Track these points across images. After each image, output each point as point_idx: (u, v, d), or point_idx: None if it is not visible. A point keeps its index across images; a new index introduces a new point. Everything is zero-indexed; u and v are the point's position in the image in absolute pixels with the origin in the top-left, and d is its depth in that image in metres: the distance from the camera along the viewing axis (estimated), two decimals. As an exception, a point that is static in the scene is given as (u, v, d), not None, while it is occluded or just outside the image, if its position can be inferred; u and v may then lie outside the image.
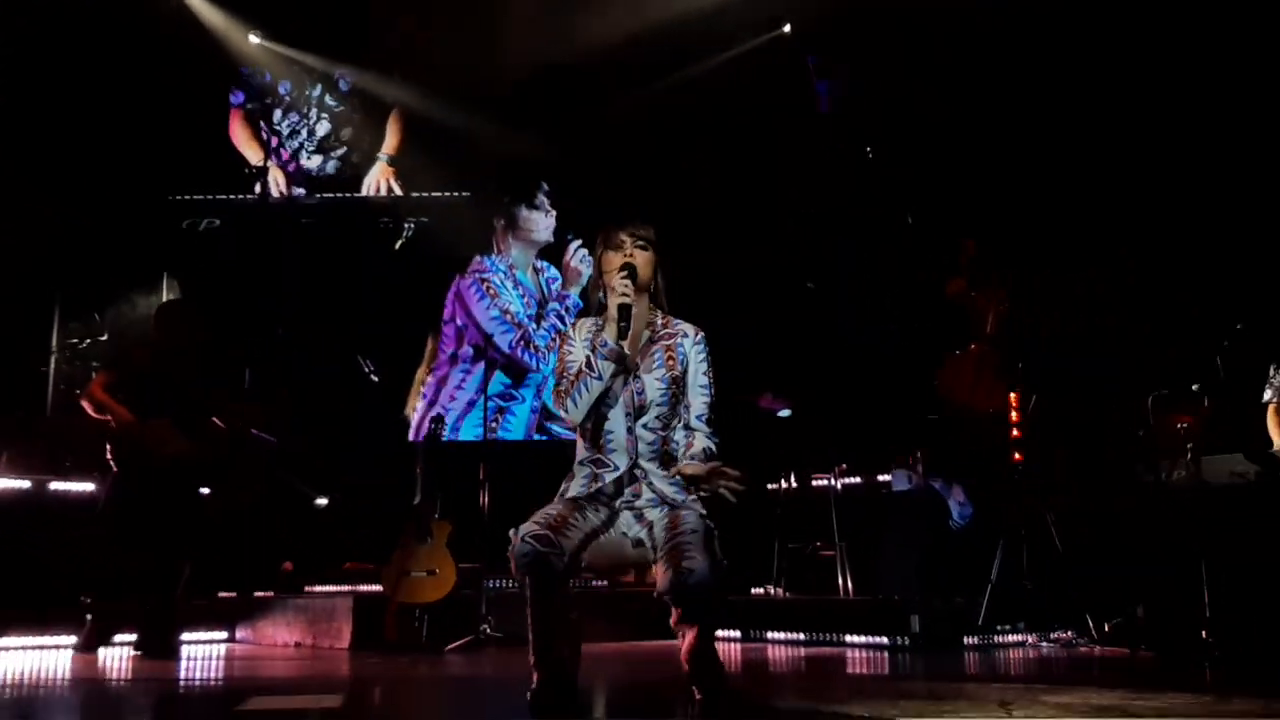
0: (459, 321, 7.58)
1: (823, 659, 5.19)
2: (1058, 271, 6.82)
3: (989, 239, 7.00)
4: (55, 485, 6.45)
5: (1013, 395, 6.33)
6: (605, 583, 6.18)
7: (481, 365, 6.86)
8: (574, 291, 7.54)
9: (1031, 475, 5.82)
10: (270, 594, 6.79)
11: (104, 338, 7.43)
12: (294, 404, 7.66)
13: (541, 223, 7.79)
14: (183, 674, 4.64)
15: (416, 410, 7.56)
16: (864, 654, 5.30)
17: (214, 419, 5.56)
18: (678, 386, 3.21)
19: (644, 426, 3.18)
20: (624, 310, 3.14)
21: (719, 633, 4.74)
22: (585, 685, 3.20)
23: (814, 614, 5.95)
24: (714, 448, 3.18)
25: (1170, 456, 5.74)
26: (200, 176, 8.57)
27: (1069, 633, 5.47)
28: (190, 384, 5.50)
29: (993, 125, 7.15)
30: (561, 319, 7.48)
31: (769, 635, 6.08)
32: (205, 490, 5.63)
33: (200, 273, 8.34)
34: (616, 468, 3.18)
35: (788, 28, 8.38)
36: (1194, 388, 5.81)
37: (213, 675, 4.68)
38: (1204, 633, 4.88)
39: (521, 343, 7.41)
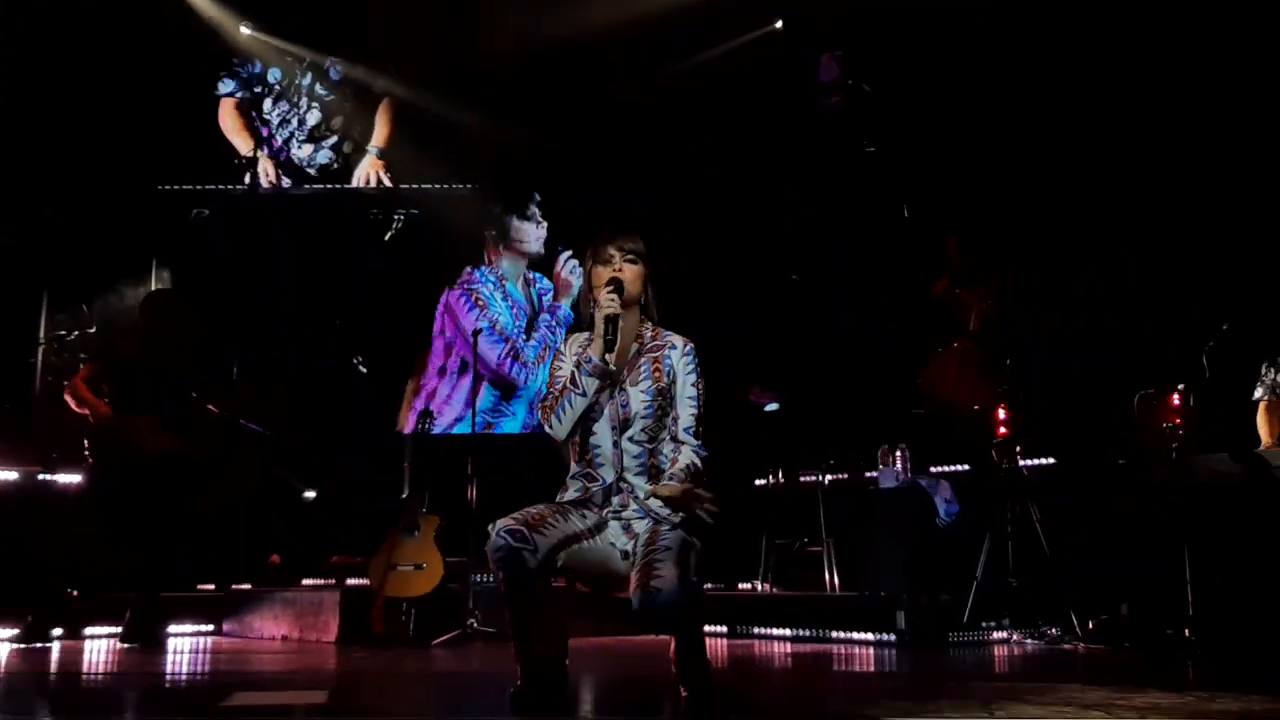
0: (448, 334, 7.60)
1: (809, 655, 5.21)
2: (1058, 271, 6.83)
3: (989, 238, 7.01)
4: (43, 477, 6.44)
5: (1000, 394, 6.38)
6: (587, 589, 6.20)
7: (469, 379, 6.87)
8: (565, 303, 7.56)
9: (1017, 472, 5.85)
10: (257, 587, 6.79)
11: (92, 329, 7.40)
12: (286, 398, 7.66)
13: (532, 234, 7.81)
14: (168, 667, 4.63)
15: (408, 422, 7.59)
16: (850, 650, 5.32)
17: (209, 406, 5.54)
18: (664, 399, 3.19)
19: (630, 439, 3.17)
20: (609, 323, 3.13)
21: (706, 628, 4.78)
22: (571, 681, 3.20)
23: (801, 610, 5.97)
24: (699, 462, 3.15)
25: (1156, 454, 5.78)
26: (190, 166, 8.54)
27: (1054, 630, 5.50)
28: (178, 376, 5.49)
29: (993, 125, 7.16)
30: (552, 331, 7.50)
31: (756, 631, 6.10)
32: (193, 485, 5.60)
33: (190, 263, 8.32)
34: (604, 481, 3.17)
35: (780, 24, 8.37)
36: (1179, 387, 5.84)
37: (198, 669, 4.67)
38: (1187, 631, 4.91)
39: (510, 356, 7.42)
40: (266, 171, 8.60)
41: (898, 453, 5.93)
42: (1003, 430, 6.06)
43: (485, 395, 7.27)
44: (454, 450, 6.47)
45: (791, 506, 6.65)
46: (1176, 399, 5.92)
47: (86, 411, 5.33)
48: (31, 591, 5.64)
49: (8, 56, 7.68)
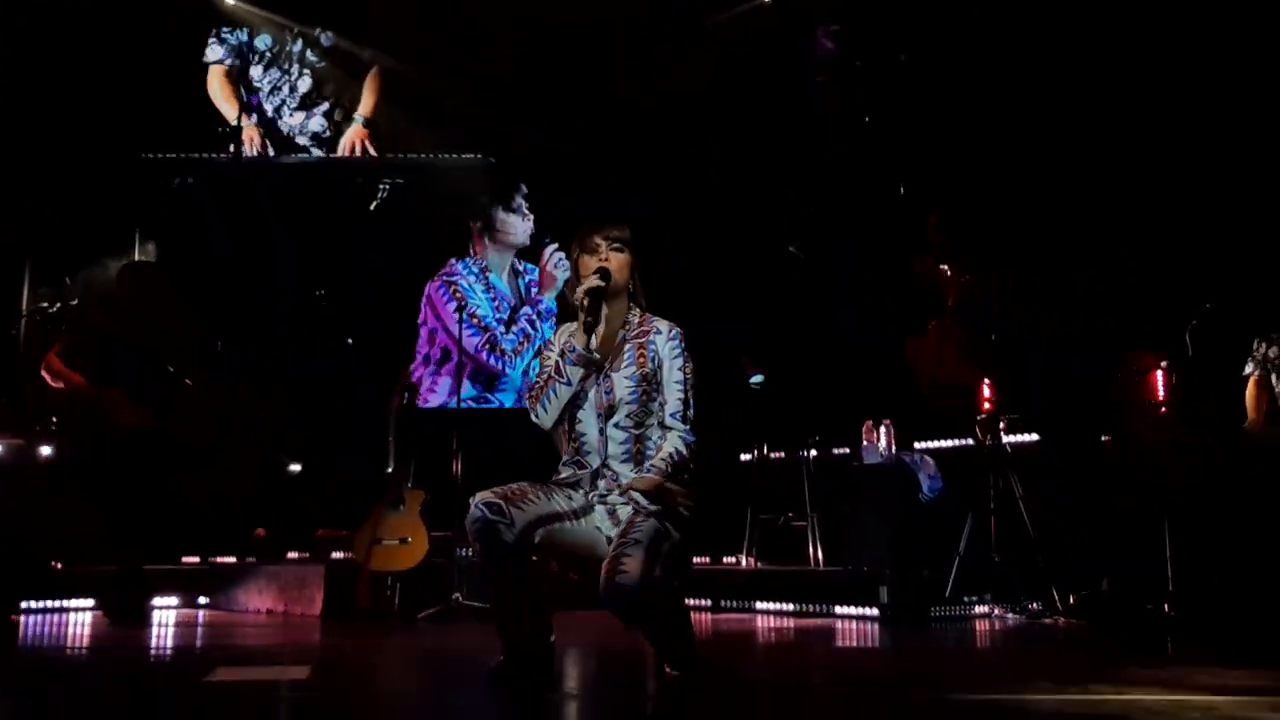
0: (430, 324, 7.59)
1: (791, 629, 5.24)
2: (1058, 271, 6.83)
3: (989, 238, 7.00)
4: (24, 449, 6.40)
5: (981, 370, 6.40)
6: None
7: (451, 367, 6.86)
8: (548, 297, 7.54)
9: (1001, 448, 5.88)
10: (243, 560, 6.79)
11: (75, 302, 7.35)
12: (272, 371, 7.64)
13: (519, 226, 7.77)
14: (151, 641, 4.63)
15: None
16: (832, 624, 5.36)
17: (185, 380, 5.50)
18: (649, 384, 3.18)
19: (615, 426, 3.17)
20: (591, 296, 3.12)
21: (690, 601, 4.82)
22: (557, 654, 3.21)
23: (785, 585, 6.01)
24: (684, 449, 3.14)
25: (1139, 431, 5.82)
26: (175, 135, 8.43)
27: (1035, 605, 5.54)
28: (154, 350, 5.44)
29: (993, 124, 7.14)
30: (532, 324, 7.48)
31: (738, 605, 6.14)
32: (171, 462, 5.57)
33: (175, 234, 8.25)
34: (591, 467, 3.18)
35: None
36: (1162, 363, 5.87)
37: (181, 643, 4.67)
38: (1166, 606, 4.96)
39: (487, 346, 7.41)
40: (252, 139, 8.51)
41: (882, 429, 5.95)
42: (987, 406, 6.09)
43: (467, 388, 7.26)
44: (440, 425, 6.47)
45: (777, 481, 6.67)
46: (1160, 375, 5.96)
47: (61, 385, 5.28)
48: (14, 563, 5.62)
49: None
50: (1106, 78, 6.82)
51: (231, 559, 6.87)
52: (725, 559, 6.95)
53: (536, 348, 7.68)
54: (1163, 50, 6.59)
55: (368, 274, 8.10)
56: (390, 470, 5.94)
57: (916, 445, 6.15)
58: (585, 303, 3.13)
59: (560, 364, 3.15)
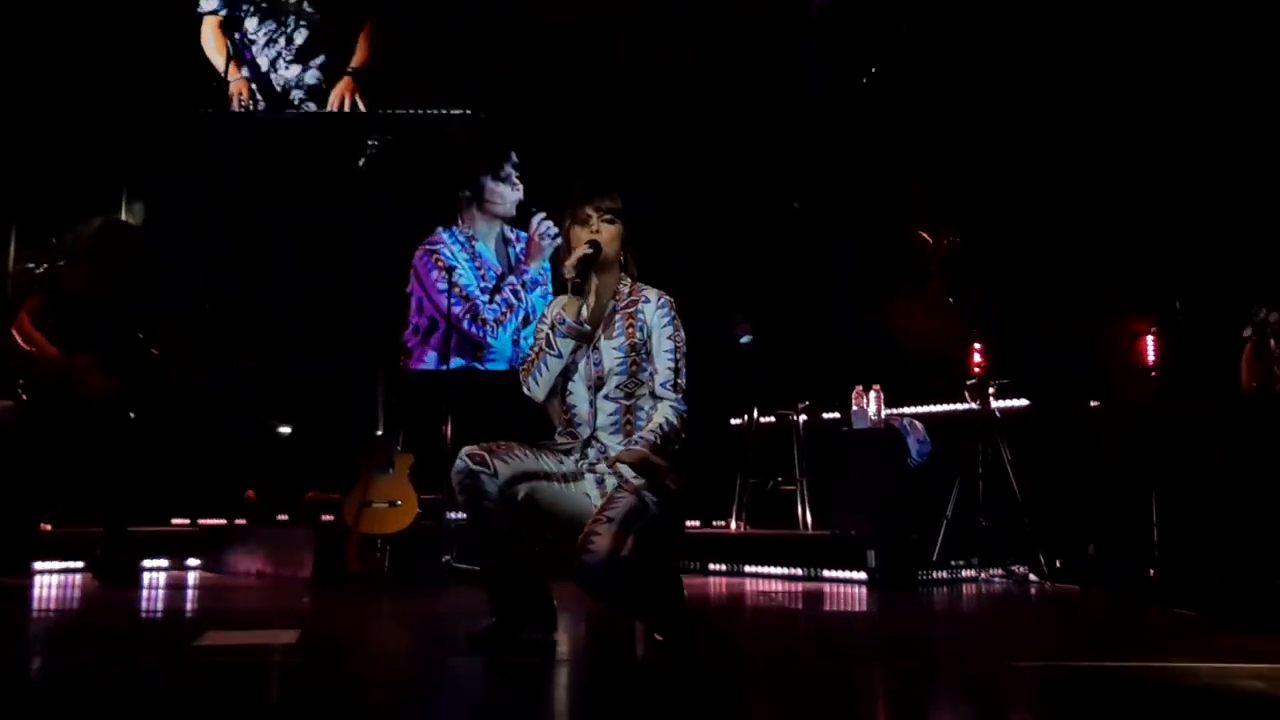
0: (417, 294, 7.56)
1: (779, 593, 5.27)
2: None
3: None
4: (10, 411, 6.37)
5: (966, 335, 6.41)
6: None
7: (438, 338, 6.86)
8: (534, 266, 7.49)
9: (990, 413, 5.89)
10: (233, 522, 6.80)
11: (61, 263, 7.28)
12: (262, 334, 7.60)
13: (508, 196, 7.72)
14: (141, 604, 4.64)
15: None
16: (820, 588, 5.39)
17: (152, 350, 5.44)
18: (637, 354, 3.17)
19: (605, 397, 3.17)
20: (583, 268, 3.11)
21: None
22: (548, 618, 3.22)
23: (773, 549, 6.04)
24: (674, 419, 3.13)
25: (1128, 395, 5.84)
26: (166, 91, 8.31)
27: (1022, 569, 5.59)
28: (120, 312, 5.38)
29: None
30: (516, 293, 7.45)
31: (727, 569, 6.17)
32: (139, 426, 5.51)
33: (164, 193, 8.15)
34: (581, 439, 3.18)
35: None
36: (1152, 328, 5.88)
37: (170, 605, 4.69)
38: (1152, 571, 5.00)
39: (468, 315, 7.38)
40: (240, 93, 8.38)
41: (871, 394, 5.96)
42: (977, 370, 6.10)
43: (455, 359, 7.27)
44: (430, 387, 6.46)
45: (767, 446, 6.69)
46: (1150, 340, 5.97)
47: (34, 350, 5.23)
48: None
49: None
50: (1107, 77, 6.77)
51: (221, 521, 6.88)
52: (715, 522, 6.98)
53: (521, 317, 7.67)
54: (1162, 48, 6.55)
55: (356, 235, 8.03)
56: (379, 433, 5.93)
57: (905, 410, 6.16)
58: (575, 274, 3.11)
59: (551, 336, 3.14)
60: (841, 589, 5.35)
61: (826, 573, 5.68)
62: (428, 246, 7.71)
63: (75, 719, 2.35)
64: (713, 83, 7.92)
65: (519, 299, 7.64)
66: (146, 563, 6.09)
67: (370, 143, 8.27)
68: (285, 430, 7.67)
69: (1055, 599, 4.92)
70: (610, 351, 3.17)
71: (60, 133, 7.69)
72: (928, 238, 6.75)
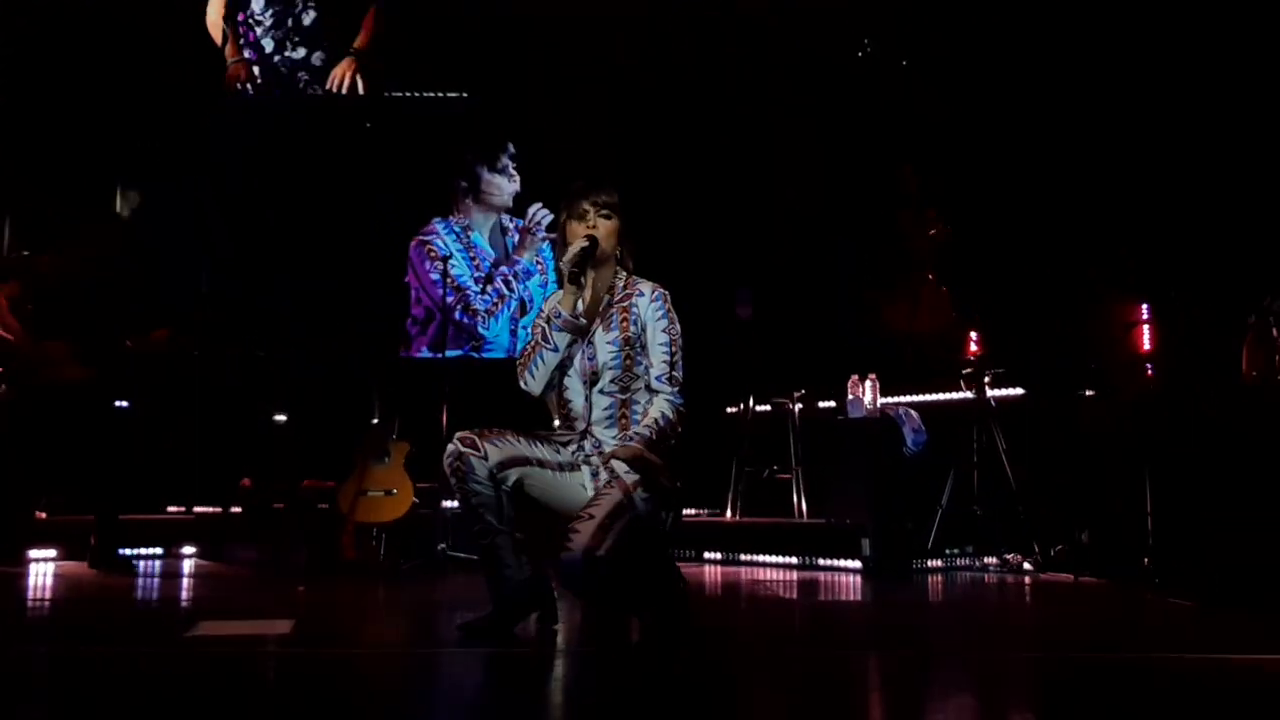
0: (414, 285, 7.56)
1: (774, 582, 5.28)
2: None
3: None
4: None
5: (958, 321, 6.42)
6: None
7: (435, 329, 6.86)
8: (525, 257, 7.47)
9: (985, 402, 5.90)
10: (228, 510, 6.79)
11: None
12: (260, 323, 7.59)
13: (505, 188, 7.70)
14: (135, 593, 4.64)
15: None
16: (815, 576, 5.40)
17: (127, 343, 5.41)
18: (631, 348, 3.17)
19: (600, 391, 3.17)
20: (580, 263, 3.11)
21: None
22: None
23: (768, 537, 6.05)
24: (670, 413, 3.13)
25: (1123, 385, 5.84)
26: (165, 86, 8.22)
27: (1015, 557, 5.60)
28: (99, 304, 5.35)
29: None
30: (508, 283, 7.43)
31: (722, 557, 6.18)
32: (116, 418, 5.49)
33: (164, 177, 8.09)
34: (578, 432, 3.19)
35: None
36: (1144, 318, 5.87)
37: (164, 594, 4.68)
38: (1146, 560, 5.00)
39: (460, 306, 7.37)
40: (239, 76, 8.32)
41: (867, 383, 5.96)
42: (973, 353, 6.11)
43: (452, 350, 7.27)
44: (426, 376, 6.46)
45: (762, 434, 6.68)
46: (1146, 329, 5.97)
47: (10, 336, 5.19)
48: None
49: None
50: (1107, 77, 6.74)
51: (217, 509, 6.87)
52: (704, 510, 6.98)
53: (515, 306, 7.66)
54: (1162, 48, 6.52)
55: (353, 224, 7.99)
56: (375, 421, 5.93)
57: (900, 399, 6.17)
58: (571, 268, 3.12)
59: (547, 330, 3.15)
60: (836, 577, 5.36)
61: (821, 561, 5.69)
62: (421, 237, 7.69)
63: (68, 710, 2.34)
64: (712, 81, 7.90)
65: (510, 289, 7.63)
66: (141, 550, 6.09)
67: (367, 125, 8.24)
68: (281, 419, 7.65)
69: (1049, 588, 4.93)
70: (604, 345, 3.17)
71: (58, 128, 7.64)
72: (922, 225, 6.75)
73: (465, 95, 8.26)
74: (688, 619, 3.17)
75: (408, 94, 8.30)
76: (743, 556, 6.09)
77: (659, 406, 3.14)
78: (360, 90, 8.31)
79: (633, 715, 2.34)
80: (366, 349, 7.50)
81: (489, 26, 8.19)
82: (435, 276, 7.51)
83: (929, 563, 5.62)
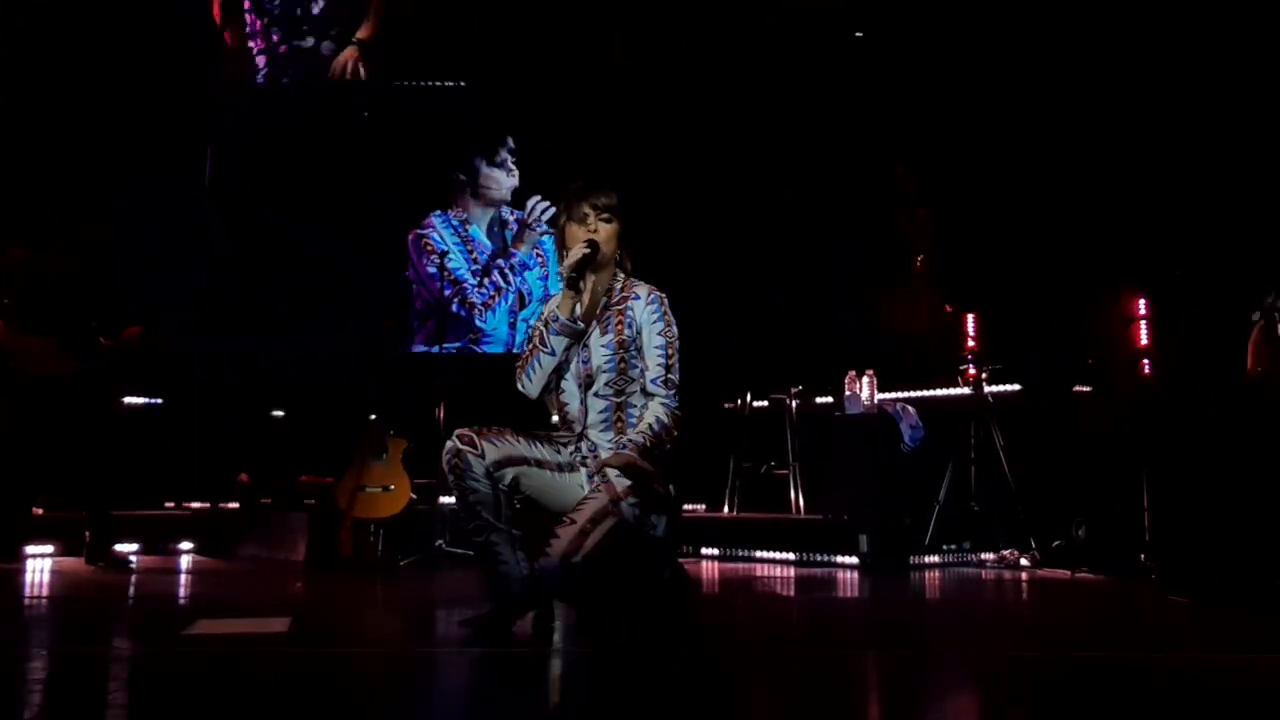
0: (413, 279, 7.56)
1: (770, 578, 5.28)
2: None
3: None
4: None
5: (969, 314, 6.41)
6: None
7: (433, 323, 6.87)
8: (522, 250, 7.46)
9: (982, 397, 5.90)
10: (222, 505, 6.79)
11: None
12: (258, 317, 7.58)
13: (504, 182, 7.68)
14: (131, 590, 4.63)
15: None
16: (812, 572, 5.40)
17: (101, 339, 5.39)
18: (625, 351, 3.16)
19: (594, 395, 3.17)
20: (580, 268, 3.11)
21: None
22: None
23: (765, 533, 6.05)
24: (665, 417, 3.12)
25: (1120, 380, 5.84)
26: (164, 84, 8.19)
27: (1012, 552, 5.60)
28: (77, 298, 5.34)
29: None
30: (504, 276, 7.42)
31: (720, 553, 6.18)
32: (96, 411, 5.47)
33: (159, 177, 8.05)
34: (575, 434, 3.20)
35: None
36: (1141, 313, 5.87)
37: (163, 591, 4.68)
38: (1143, 556, 5.01)
39: (456, 299, 7.36)
40: (239, 66, 8.27)
41: (865, 379, 5.95)
42: (971, 344, 6.11)
43: (450, 343, 7.27)
44: (425, 372, 6.45)
45: (759, 430, 6.68)
46: (1143, 325, 5.97)
47: None
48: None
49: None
50: (1106, 77, 6.73)
51: (215, 505, 6.86)
52: (697, 506, 6.99)
53: (512, 299, 7.66)
54: (1161, 47, 6.51)
55: (353, 216, 7.96)
56: (372, 418, 5.92)
57: (898, 395, 6.16)
58: (571, 274, 3.12)
59: (544, 334, 3.15)
60: (834, 573, 5.36)
61: (819, 557, 5.69)
62: (418, 231, 7.68)
63: (68, 710, 2.34)
64: (709, 80, 7.88)
65: (507, 281, 7.62)
66: (138, 546, 6.07)
67: (366, 115, 8.20)
68: (279, 414, 7.65)
69: (1046, 584, 4.93)
70: (599, 349, 3.17)
71: (54, 125, 7.60)
72: (914, 222, 6.75)
73: (465, 84, 8.23)
74: (686, 618, 3.17)
75: (408, 83, 8.26)
76: (740, 552, 6.09)
77: (653, 411, 3.13)
78: (362, 76, 8.26)
79: (631, 715, 2.34)
80: (365, 345, 7.49)
81: (489, 22, 8.17)
82: (432, 270, 7.50)
83: (926, 559, 5.61)
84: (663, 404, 3.14)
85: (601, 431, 3.16)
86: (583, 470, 3.16)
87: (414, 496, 5.75)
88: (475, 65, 8.22)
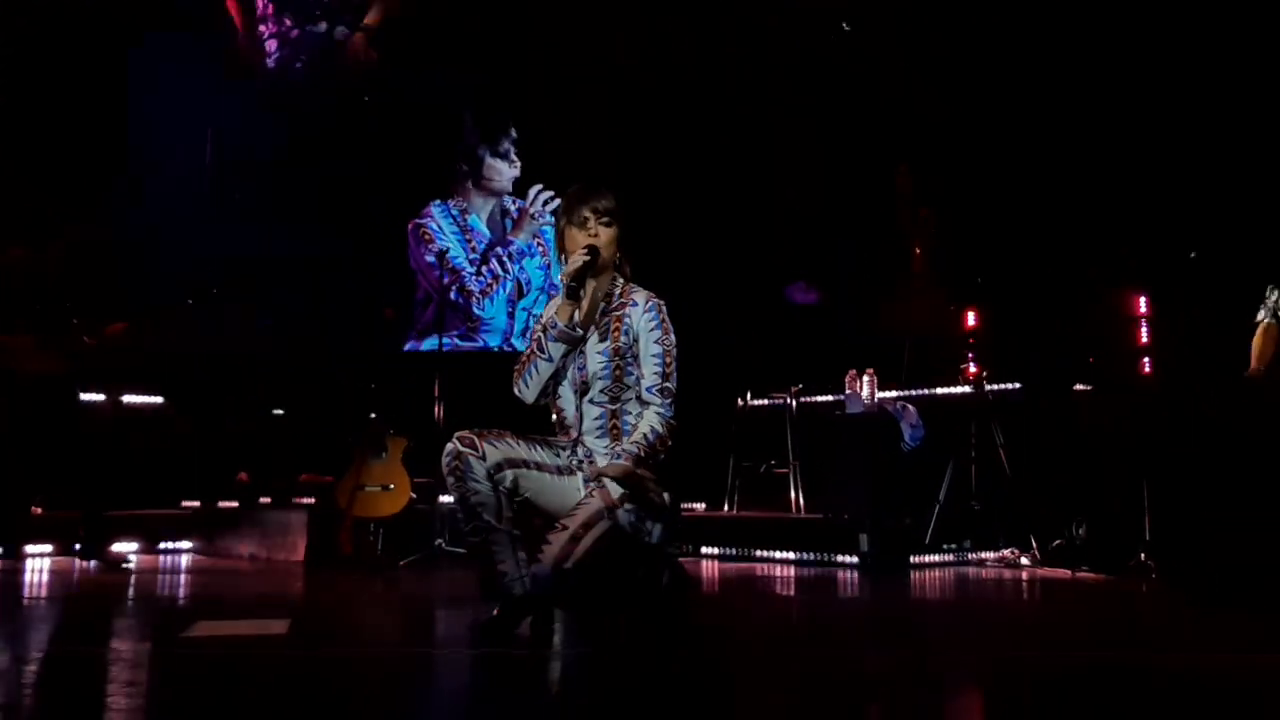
0: (413, 268, 7.57)
1: (772, 578, 5.28)
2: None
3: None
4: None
5: (970, 312, 6.41)
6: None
7: (432, 311, 6.87)
8: (520, 238, 7.46)
9: (983, 396, 5.90)
10: (226, 505, 6.79)
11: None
12: (255, 315, 7.57)
13: (506, 173, 7.69)
14: (130, 590, 4.63)
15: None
16: (811, 571, 5.40)
17: (84, 337, 5.38)
18: (621, 358, 3.15)
19: (590, 401, 3.16)
20: (579, 274, 3.10)
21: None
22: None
23: (765, 532, 6.04)
24: (660, 426, 3.11)
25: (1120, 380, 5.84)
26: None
27: (1012, 552, 5.60)
28: (60, 296, 5.33)
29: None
30: (502, 264, 7.42)
31: (720, 552, 6.17)
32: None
33: (156, 175, 8.04)
34: (571, 439, 3.20)
35: None
36: (1142, 311, 5.87)
37: (163, 591, 4.68)
38: (1143, 555, 5.01)
39: (454, 288, 7.37)
40: (247, 50, 8.25)
41: (865, 378, 5.95)
42: (970, 339, 6.11)
43: (450, 332, 7.27)
44: (424, 370, 6.45)
45: (759, 429, 6.68)
46: (1144, 324, 5.97)
47: None
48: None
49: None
50: (1106, 77, 6.72)
51: (214, 504, 6.86)
52: (706, 505, 6.99)
53: (510, 287, 7.66)
54: (1161, 47, 6.50)
55: (352, 208, 7.95)
56: (372, 416, 5.92)
57: (898, 394, 6.16)
58: (571, 280, 3.11)
59: (542, 339, 3.13)
60: (834, 573, 5.35)
61: (819, 556, 5.68)
62: (417, 220, 7.67)
63: (68, 710, 2.34)
64: (712, 80, 7.88)
65: (505, 270, 7.62)
66: (137, 545, 6.08)
67: (366, 100, 8.18)
68: (279, 413, 7.65)
69: (1047, 583, 4.93)
70: (595, 356, 3.16)
71: (56, 128, 7.59)
72: (916, 223, 6.75)
73: (467, 73, 8.21)
74: (686, 618, 3.17)
75: (414, 69, 8.25)
76: (740, 551, 6.09)
77: (649, 420, 3.12)
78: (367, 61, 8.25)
79: (631, 715, 2.33)
80: (365, 343, 7.49)
81: (493, 16, 8.16)
82: (430, 259, 7.48)
83: (926, 558, 5.61)
84: (658, 413, 3.13)
85: (597, 438, 3.16)
86: (579, 474, 3.16)
87: (414, 495, 5.76)
88: (479, 56, 8.21)
